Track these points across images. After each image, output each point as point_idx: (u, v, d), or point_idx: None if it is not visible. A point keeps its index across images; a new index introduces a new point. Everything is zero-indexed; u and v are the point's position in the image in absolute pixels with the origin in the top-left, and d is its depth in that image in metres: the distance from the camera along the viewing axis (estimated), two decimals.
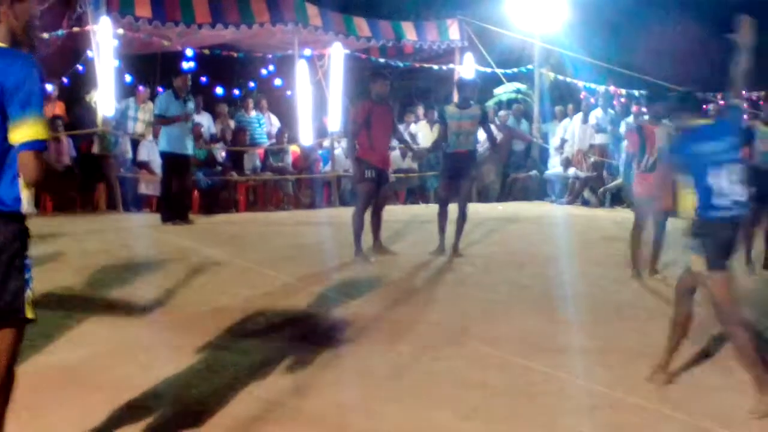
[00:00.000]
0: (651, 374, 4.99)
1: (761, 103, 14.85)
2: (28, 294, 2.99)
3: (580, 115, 15.69)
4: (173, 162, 10.87)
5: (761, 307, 6.69)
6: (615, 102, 16.92)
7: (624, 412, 4.48)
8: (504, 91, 17.39)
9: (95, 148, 12.45)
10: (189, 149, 11.07)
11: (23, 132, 2.85)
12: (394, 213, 12.09)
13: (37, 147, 2.87)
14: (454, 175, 9.04)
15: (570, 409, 4.57)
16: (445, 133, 9.05)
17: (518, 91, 17.34)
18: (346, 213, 12.96)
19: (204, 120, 13.95)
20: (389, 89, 9.01)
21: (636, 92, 16.33)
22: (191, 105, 11.19)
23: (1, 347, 2.97)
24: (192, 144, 11.28)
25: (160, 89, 11.59)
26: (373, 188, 8.74)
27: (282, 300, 6.89)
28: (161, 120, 10.96)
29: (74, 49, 12.80)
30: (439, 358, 5.44)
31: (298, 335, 5.87)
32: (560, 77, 16.65)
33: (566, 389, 4.88)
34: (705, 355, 5.54)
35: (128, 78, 13.36)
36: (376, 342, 5.74)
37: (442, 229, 9.10)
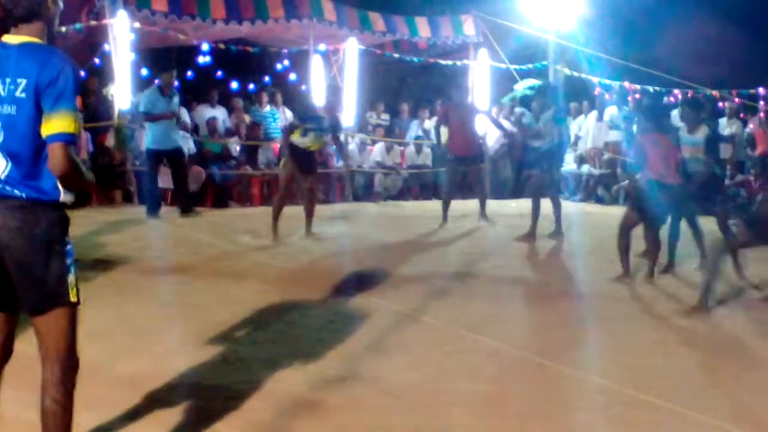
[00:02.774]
0: None
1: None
2: (71, 278, 3.09)
3: (594, 113, 15.66)
4: (159, 158, 11.09)
5: None
6: (630, 98, 16.86)
7: (636, 409, 4.48)
8: (522, 87, 17.31)
9: (109, 141, 12.52)
10: (178, 142, 11.27)
11: (54, 125, 2.94)
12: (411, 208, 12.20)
13: (66, 139, 2.96)
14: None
15: (582, 407, 4.59)
16: None
17: (533, 87, 17.26)
18: (360, 208, 13.16)
19: (219, 114, 14.02)
20: None
21: (651, 89, 16.25)
22: (176, 101, 11.30)
23: (55, 332, 3.09)
24: (179, 136, 11.46)
25: (175, 83, 11.60)
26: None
27: (296, 291, 6.93)
28: (148, 117, 11.03)
29: (92, 43, 12.87)
30: (450, 352, 5.47)
31: (315, 327, 5.90)
32: (575, 74, 16.58)
33: (579, 386, 4.91)
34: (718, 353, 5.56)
35: (144, 72, 13.41)
36: (401, 342, 5.73)
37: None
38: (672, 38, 20.10)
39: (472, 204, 11.71)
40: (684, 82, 16.13)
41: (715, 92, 14.81)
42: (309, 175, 9.60)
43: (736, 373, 5.17)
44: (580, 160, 15.52)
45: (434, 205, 11.94)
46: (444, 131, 11.44)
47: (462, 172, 11.18)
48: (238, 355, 5.20)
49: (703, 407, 4.46)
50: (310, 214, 9.66)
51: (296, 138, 9.38)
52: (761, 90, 15.11)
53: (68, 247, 3.11)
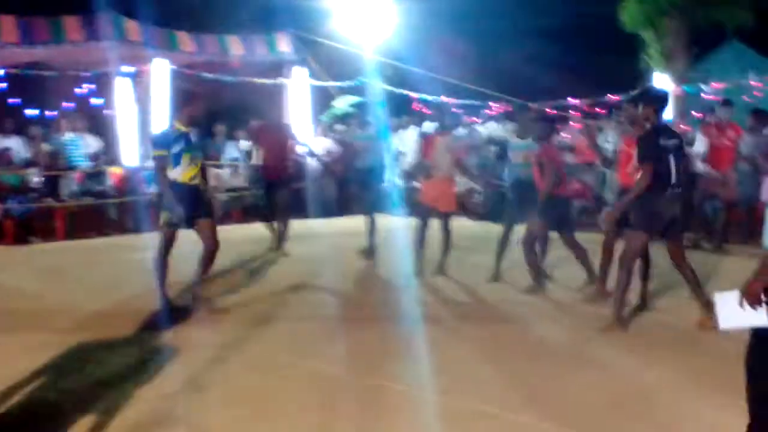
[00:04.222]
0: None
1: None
2: None
3: (414, 128, 15.63)
4: None
5: None
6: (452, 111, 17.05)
7: (474, 420, 4.28)
8: (343, 104, 17.10)
9: None
10: None
11: None
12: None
13: None
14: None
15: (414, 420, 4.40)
16: None
17: (353, 104, 17.10)
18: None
19: (14, 144, 12.93)
20: None
21: (468, 102, 16.48)
22: None
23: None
24: None
25: None
26: None
27: (107, 330, 6.46)
28: None
29: None
30: (273, 380, 5.02)
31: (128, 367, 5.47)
32: (394, 89, 16.54)
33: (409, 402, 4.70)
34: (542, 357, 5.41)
35: None
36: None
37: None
38: (488, 53, 20.72)
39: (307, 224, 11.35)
40: (498, 94, 16.48)
41: (531, 104, 15.13)
42: (205, 218, 7.05)
43: (559, 374, 5.18)
44: (405, 176, 15.42)
45: (257, 229, 11.40)
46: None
47: (271, 195, 10.46)
48: (45, 403, 4.78)
49: (531, 410, 4.44)
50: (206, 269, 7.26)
51: (171, 173, 6.88)
52: (574, 100, 15.63)
53: None
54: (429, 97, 15.99)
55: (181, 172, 6.87)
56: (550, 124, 8.13)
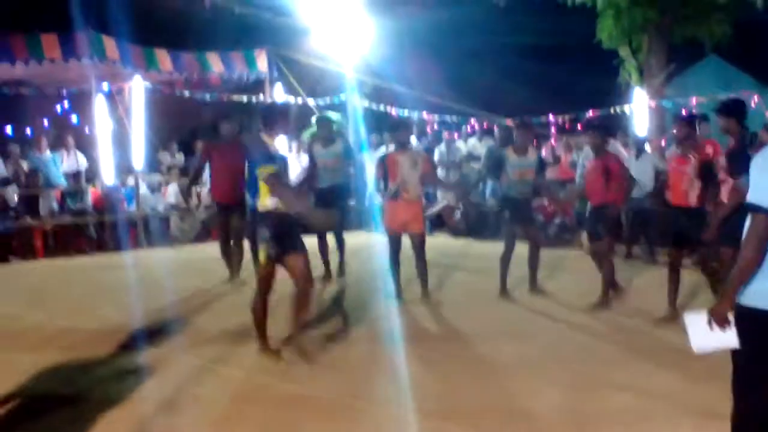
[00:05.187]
0: None
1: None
2: None
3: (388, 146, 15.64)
4: None
5: None
6: (428, 129, 17.10)
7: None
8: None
9: None
10: None
11: None
12: None
13: None
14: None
15: None
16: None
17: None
18: (154, 255, 12.31)
19: None
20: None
21: (448, 118, 16.51)
22: None
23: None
24: None
25: None
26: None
27: (82, 351, 6.37)
28: None
29: None
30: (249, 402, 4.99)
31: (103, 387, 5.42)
32: (374, 106, 16.56)
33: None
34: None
35: None
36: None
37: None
38: (466, 70, 20.79)
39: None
40: (477, 111, 16.53)
41: (508, 120, 15.18)
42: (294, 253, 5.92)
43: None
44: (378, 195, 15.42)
45: None
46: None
47: (225, 221, 9.51)
48: (13, 421, 4.79)
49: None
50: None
51: (265, 202, 5.85)
52: (552, 118, 15.69)
53: None
54: (405, 112, 16.02)
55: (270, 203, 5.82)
56: (603, 133, 8.17)
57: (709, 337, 3.30)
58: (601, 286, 7.82)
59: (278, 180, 5.71)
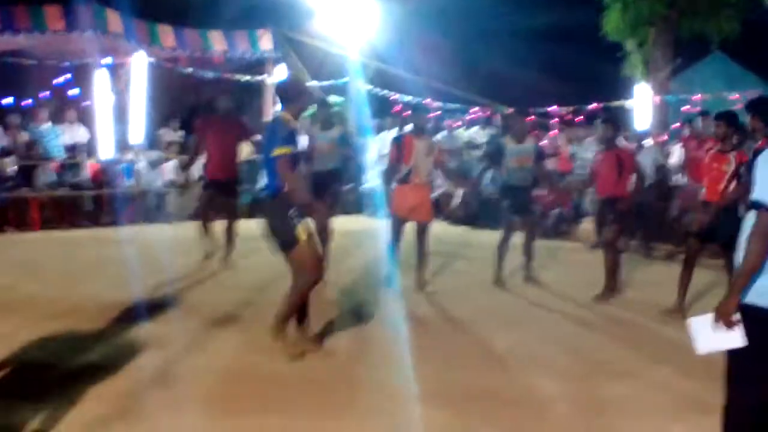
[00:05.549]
0: None
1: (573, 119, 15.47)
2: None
3: (396, 130, 15.55)
4: None
5: None
6: (430, 116, 17.01)
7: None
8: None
9: None
10: None
11: None
12: None
13: None
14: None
15: None
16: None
17: (337, 104, 16.99)
18: (150, 231, 12.25)
19: None
20: None
21: (451, 105, 16.44)
22: None
23: None
24: None
25: None
26: None
27: (74, 324, 6.34)
28: None
29: None
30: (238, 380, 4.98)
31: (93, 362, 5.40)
32: (377, 90, 16.47)
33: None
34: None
35: None
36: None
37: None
38: (471, 58, 20.75)
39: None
40: (480, 99, 16.48)
41: (510, 110, 15.11)
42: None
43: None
44: (384, 179, 15.32)
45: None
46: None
47: (212, 198, 9.29)
48: (6, 392, 4.76)
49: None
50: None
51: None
52: (553, 108, 15.63)
53: None
54: (408, 98, 15.93)
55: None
56: (615, 126, 8.24)
57: (715, 337, 3.26)
58: (605, 277, 7.82)
59: (290, 164, 5.51)
